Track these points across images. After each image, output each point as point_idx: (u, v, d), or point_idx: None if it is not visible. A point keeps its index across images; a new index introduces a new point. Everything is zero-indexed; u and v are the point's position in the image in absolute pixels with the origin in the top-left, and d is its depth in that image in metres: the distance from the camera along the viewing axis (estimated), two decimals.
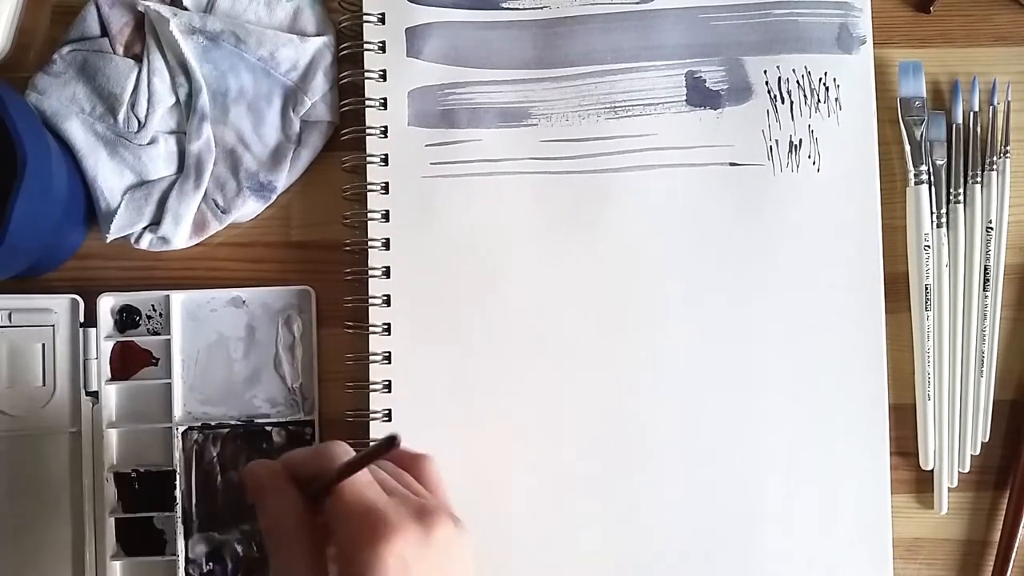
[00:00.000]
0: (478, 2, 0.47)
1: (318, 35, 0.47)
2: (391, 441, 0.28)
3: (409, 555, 0.28)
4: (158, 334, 0.46)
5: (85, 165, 0.45)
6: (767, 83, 0.47)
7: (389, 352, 0.45)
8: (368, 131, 0.46)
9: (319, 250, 0.47)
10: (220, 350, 0.46)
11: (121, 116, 0.45)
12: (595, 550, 0.45)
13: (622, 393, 0.46)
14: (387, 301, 0.46)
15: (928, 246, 0.47)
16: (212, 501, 0.46)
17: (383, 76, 0.46)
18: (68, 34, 0.46)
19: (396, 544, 0.28)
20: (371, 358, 0.45)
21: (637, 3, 0.47)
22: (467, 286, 0.46)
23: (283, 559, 0.31)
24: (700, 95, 0.47)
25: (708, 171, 0.47)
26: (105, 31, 0.45)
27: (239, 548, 0.46)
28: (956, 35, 0.49)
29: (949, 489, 0.47)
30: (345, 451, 0.32)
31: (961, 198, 0.47)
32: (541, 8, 0.47)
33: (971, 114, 0.48)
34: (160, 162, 0.46)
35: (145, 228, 0.46)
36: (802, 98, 0.47)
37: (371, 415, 0.45)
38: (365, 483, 0.31)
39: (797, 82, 0.47)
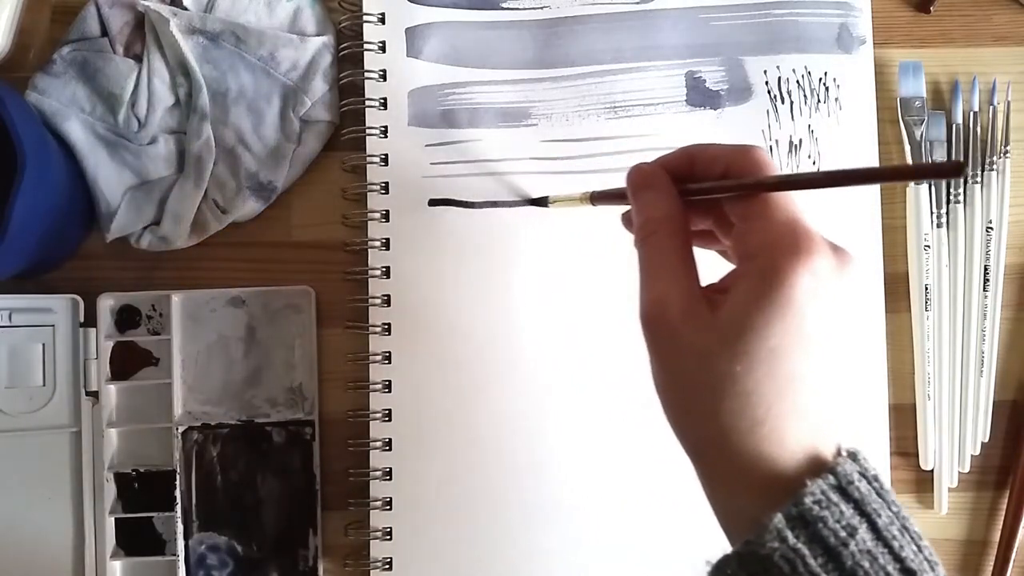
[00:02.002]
0: (478, 2, 0.47)
1: (318, 35, 0.47)
2: (958, 167, 0.24)
3: (822, 276, 0.27)
4: (158, 334, 0.46)
5: (85, 165, 0.45)
6: (767, 83, 0.47)
7: (389, 352, 0.45)
8: (368, 131, 0.46)
9: (319, 250, 0.47)
10: (220, 350, 0.46)
11: (121, 116, 0.45)
12: (595, 549, 0.45)
13: (622, 390, 0.46)
14: (387, 301, 0.46)
15: (928, 246, 0.47)
16: (212, 501, 0.46)
17: (383, 76, 0.46)
18: (68, 34, 0.45)
19: (816, 261, 0.27)
20: (371, 358, 0.45)
21: (637, 3, 0.47)
22: (467, 286, 0.46)
23: (658, 251, 0.30)
24: (700, 95, 0.47)
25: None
26: (105, 31, 0.45)
27: (239, 548, 0.46)
28: (956, 35, 0.49)
29: (949, 489, 0.47)
30: (769, 160, 0.30)
31: (961, 198, 0.47)
32: (541, 8, 0.47)
33: (971, 114, 0.48)
34: (160, 162, 0.46)
35: (145, 228, 0.46)
36: (802, 98, 0.47)
37: (371, 415, 0.45)
38: (791, 197, 0.29)
39: (797, 82, 0.47)
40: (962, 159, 0.25)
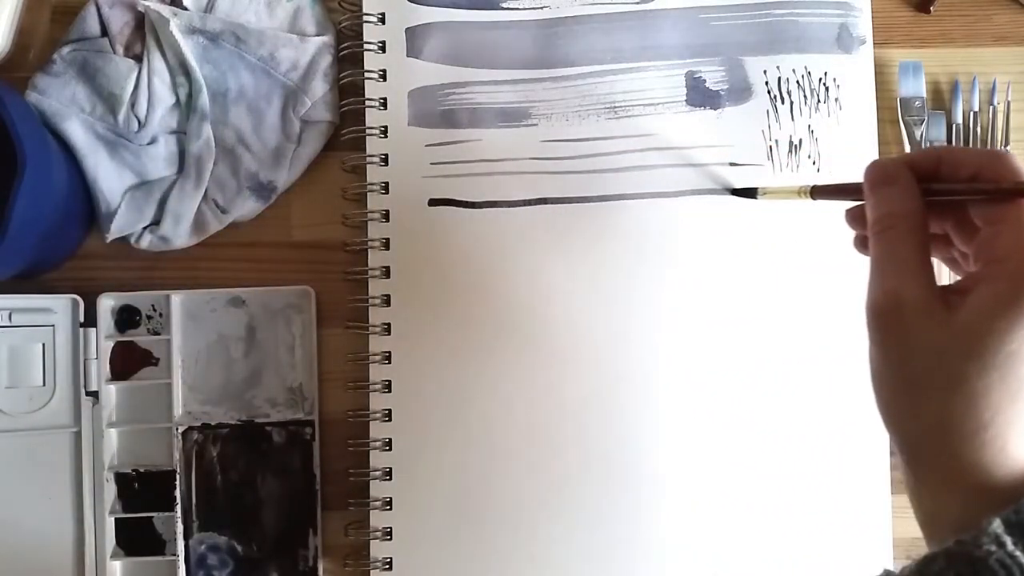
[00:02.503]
0: (478, 2, 0.47)
1: (318, 35, 0.47)
2: None
3: None
4: (158, 334, 0.46)
5: (85, 165, 0.45)
6: (767, 83, 0.47)
7: (389, 352, 0.45)
8: (368, 131, 0.46)
9: (319, 250, 0.47)
10: (220, 350, 0.46)
11: (121, 116, 0.45)
12: (594, 548, 0.45)
13: (621, 393, 0.46)
14: (387, 301, 0.46)
15: None
16: (212, 501, 0.46)
17: (383, 76, 0.46)
18: (68, 34, 0.45)
19: None
20: (371, 358, 0.45)
21: (637, 3, 0.47)
22: (467, 286, 0.46)
23: (895, 245, 0.30)
24: (700, 95, 0.47)
25: (708, 171, 0.47)
26: (105, 31, 0.45)
27: (239, 548, 0.46)
28: (956, 35, 0.49)
29: None
30: (1021, 166, 0.30)
31: None
32: (541, 8, 0.47)
33: (971, 114, 0.48)
34: (160, 162, 0.46)
35: (145, 228, 0.46)
36: (802, 98, 0.47)
37: (371, 415, 0.45)
38: None
39: (797, 82, 0.47)
40: None
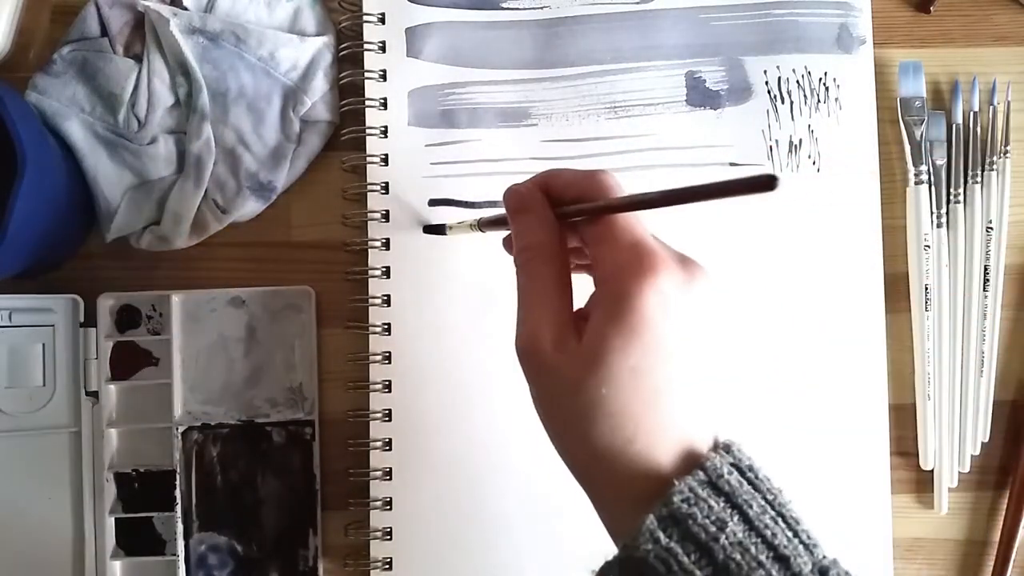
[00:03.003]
0: (478, 2, 0.47)
1: (318, 35, 0.47)
2: (768, 181, 0.24)
3: (670, 294, 0.28)
4: (158, 334, 0.46)
5: (85, 165, 0.45)
6: (767, 83, 0.47)
7: (389, 352, 0.45)
8: (368, 131, 0.46)
9: (319, 250, 0.47)
10: (220, 350, 0.46)
11: (121, 116, 0.45)
12: (593, 547, 0.45)
13: None
14: (387, 301, 0.46)
15: (928, 246, 0.47)
16: (212, 501, 0.46)
17: (383, 76, 0.46)
18: (68, 34, 0.45)
19: (661, 279, 0.28)
20: (371, 358, 0.45)
21: (637, 3, 0.47)
22: (467, 286, 0.46)
23: (534, 279, 0.31)
24: (700, 95, 0.47)
25: (708, 171, 0.47)
26: (105, 31, 0.45)
27: (239, 548, 0.46)
28: (956, 35, 0.49)
29: (949, 489, 0.47)
30: (617, 183, 0.32)
31: (961, 198, 0.47)
32: (541, 8, 0.47)
33: (971, 114, 0.48)
34: (160, 162, 0.46)
35: (145, 228, 0.46)
36: (802, 98, 0.47)
37: (371, 415, 0.45)
38: (635, 219, 0.30)
39: (797, 82, 0.47)
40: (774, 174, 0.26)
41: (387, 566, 0.45)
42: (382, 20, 0.47)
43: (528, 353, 0.30)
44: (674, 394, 0.28)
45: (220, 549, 0.46)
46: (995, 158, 0.47)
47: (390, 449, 0.45)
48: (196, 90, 0.45)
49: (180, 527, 0.45)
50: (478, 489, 0.45)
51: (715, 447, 0.29)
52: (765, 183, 0.23)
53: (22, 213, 0.38)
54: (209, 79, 0.45)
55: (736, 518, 0.27)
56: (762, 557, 0.26)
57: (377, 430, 0.45)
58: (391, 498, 0.45)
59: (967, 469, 0.47)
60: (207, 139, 0.45)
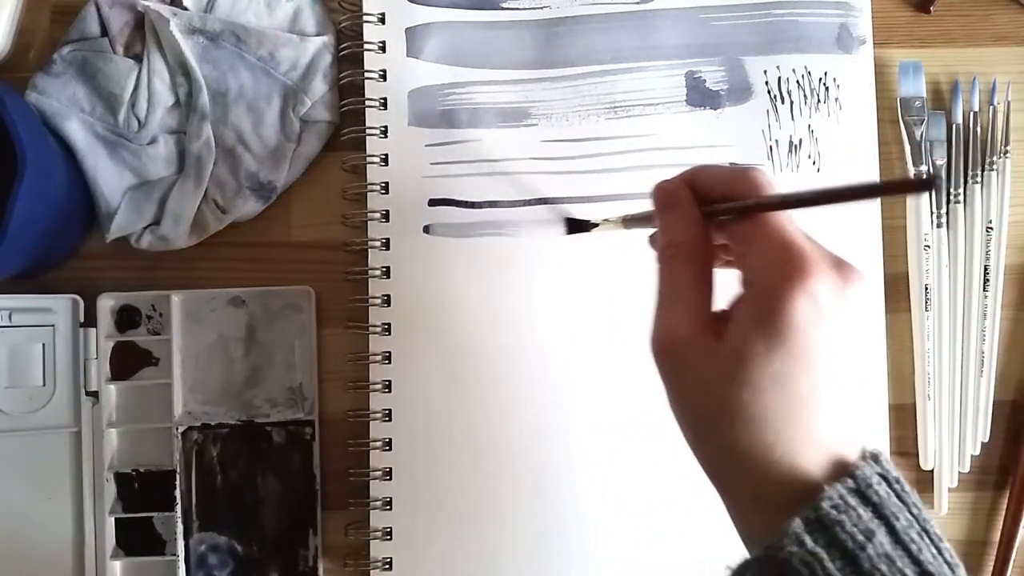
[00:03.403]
0: (478, 2, 0.47)
1: (318, 35, 0.47)
2: (927, 183, 0.24)
3: (823, 299, 0.27)
4: (158, 334, 0.46)
5: (85, 165, 0.45)
6: (767, 83, 0.47)
7: (389, 352, 0.45)
8: (368, 131, 0.46)
9: (319, 250, 0.47)
10: (220, 350, 0.46)
11: (121, 116, 0.45)
12: (593, 547, 0.45)
13: (620, 388, 0.46)
14: (387, 301, 0.46)
15: (928, 246, 0.47)
16: (212, 501, 0.46)
17: (383, 76, 0.46)
18: (68, 34, 0.45)
19: (813, 284, 0.27)
20: (371, 358, 0.45)
21: (637, 3, 0.47)
22: (467, 286, 0.46)
23: (675, 276, 0.30)
24: (700, 95, 0.47)
25: None
26: (105, 31, 0.45)
27: (239, 548, 0.46)
28: (956, 35, 0.49)
29: (949, 489, 0.47)
30: (769, 181, 0.31)
31: (961, 198, 0.47)
32: (541, 8, 0.47)
33: (971, 114, 0.48)
34: (160, 162, 0.46)
35: (145, 228, 0.46)
36: (802, 98, 0.47)
37: (371, 415, 0.45)
38: (788, 219, 0.29)
39: (797, 82, 0.47)
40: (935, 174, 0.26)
41: (387, 566, 0.45)
42: (382, 20, 0.47)
43: (665, 351, 0.30)
44: (819, 402, 0.28)
45: (220, 549, 0.46)
46: (995, 158, 0.47)
47: (390, 449, 0.45)
48: (196, 90, 0.45)
49: (180, 527, 0.45)
50: (478, 489, 0.45)
51: (863, 456, 0.28)
52: (922, 184, 0.23)
53: (22, 213, 0.38)
54: (209, 79, 0.45)
55: (883, 530, 0.26)
56: (908, 572, 0.26)
57: (377, 430, 0.45)
58: (391, 498, 0.45)
59: (967, 469, 0.47)
60: (207, 139, 0.45)
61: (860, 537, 0.26)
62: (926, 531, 0.27)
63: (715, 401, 0.28)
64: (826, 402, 0.28)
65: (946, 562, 0.27)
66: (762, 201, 0.30)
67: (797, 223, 0.29)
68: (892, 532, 0.26)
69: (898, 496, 0.27)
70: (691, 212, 0.31)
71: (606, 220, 0.44)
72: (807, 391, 0.27)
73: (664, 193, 0.32)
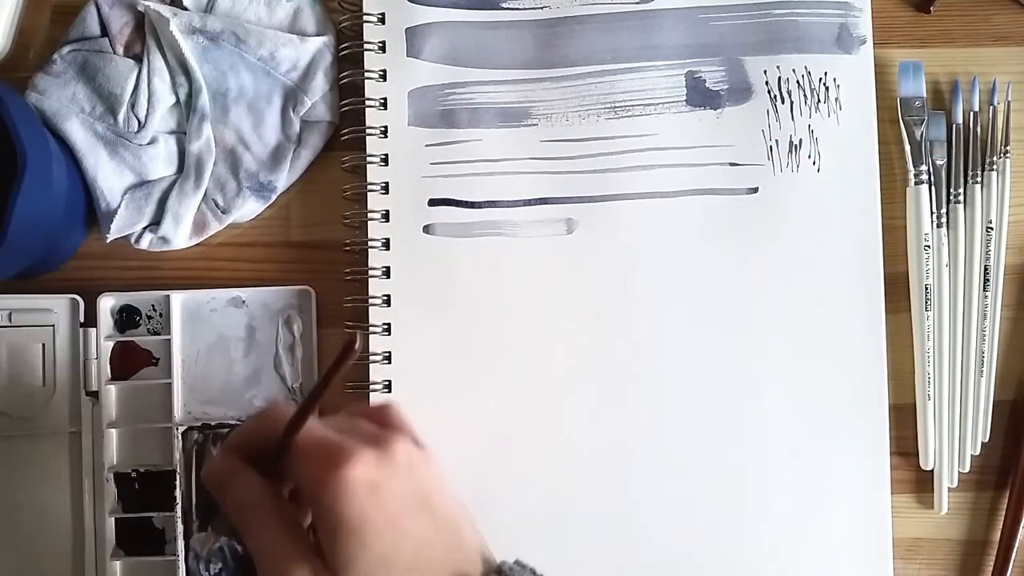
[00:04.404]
0: (478, 2, 0.47)
1: (318, 35, 0.47)
2: (348, 349, 0.26)
3: (374, 476, 0.28)
4: (158, 334, 0.46)
5: (85, 165, 0.45)
6: (767, 83, 0.47)
7: (389, 352, 0.45)
8: (368, 131, 0.46)
9: (319, 250, 0.47)
10: (220, 350, 0.46)
11: (121, 116, 0.45)
12: (593, 543, 0.45)
13: (622, 388, 0.46)
14: (387, 301, 0.46)
15: (928, 246, 0.47)
16: (212, 501, 0.46)
17: (383, 76, 0.46)
18: (68, 34, 0.45)
19: (357, 467, 0.28)
20: (371, 358, 0.45)
21: (637, 3, 0.47)
22: (466, 286, 0.46)
23: (259, 537, 0.30)
24: (700, 95, 0.47)
25: (708, 171, 0.47)
26: (105, 31, 0.45)
27: (239, 548, 0.46)
28: (956, 35, 0.49)
29: (949, 489, 0.47)
30: (286, 409, 0.31)
31: (961, 198, 0.47)
32: (541, 8, 0.47)
33: (971, 114, 0.48)
34: (160, 162, 0.46)
35: (145, 228, 0.46)
36: (802, 98, 0.47)
37: None
38: (313, 425, 0.30)
39: (797, 82, 0.47)
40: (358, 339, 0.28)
41: None
42: (382, 20, 0.47)
43: None
44: (419, 562, 0.28)
45: (220, 549, 0.46)
46: (995, 158, 0.47)
47: None
48: (196, 90, 0.45)
49: (180, 527, 0.45)
50: (478, 489, 0.45)
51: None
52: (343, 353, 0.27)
53: (22, 213, 0.38)
54: (209, 79, 0.45)
55: None
56: None
57: None
58: None
59: (967, 469, 0.47)
60: (207, 139, 0.45)
61: None
62: None
63: None
64: (428, 550, 0.29)
65: None
66: (291, 423, 0.30)
67: (323, 425, 0.31)
68: None
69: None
70: (243, 473, 0.31)
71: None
72: (403, 561, 0.28)
73: (209, 475, 0.32)
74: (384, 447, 0.30)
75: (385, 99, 0.46)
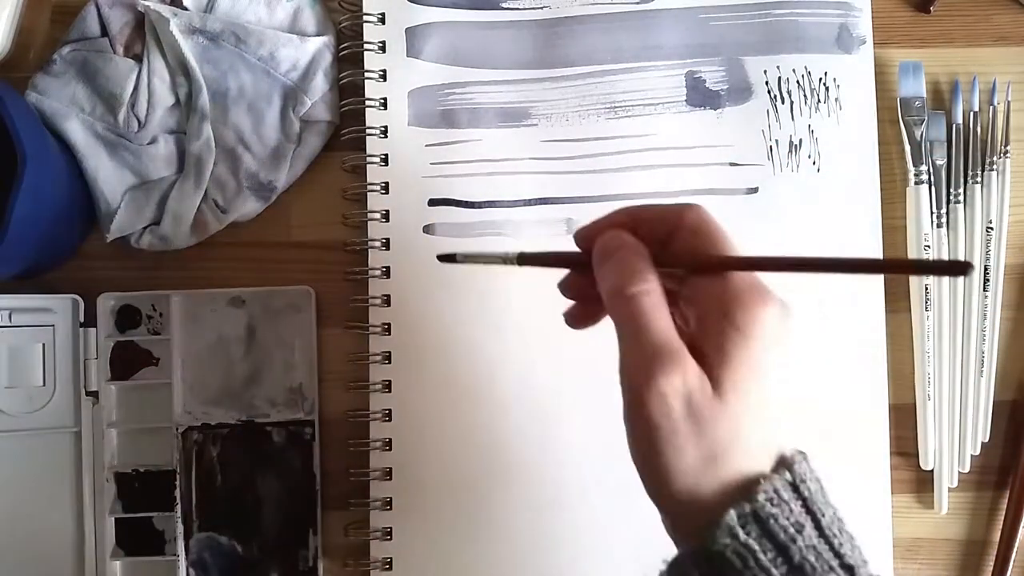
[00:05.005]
0: (478, 2, 0.47)
1: (318, 35, 0.47)
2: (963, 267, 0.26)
3: (778, 322, 0.29)
4: (158, 334, 0.46)
5: (85, 165, 0.45)
6: (767, 83, 0.47)
7: (389, 352, 0.45)
8: (368, 131, 0.46)
9: (319, 250, 0.47)
10: (220, 350, 0.46)
11: (121, 116, 0.45)
12: (595, 545, 0.45)
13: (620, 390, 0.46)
14: (387, 301, 0.46)
15: (928, 246, 0.47)
16: (212, 501, 0.46)
17: (383, 76, 0.46)
18: (68, 34, 0.45)
19: (774, 308, 0.29)
20: (371, 358, 0.45)
21: (637, 3, 0.47)
22: (466, 286, 0.46)
23: (635, 320, 0.30)
24: (700, 95, 0.47)
25: (708, 171, 0.47)
26: (105, 31, 0.45)
27: (239, 548, 0.46)
28: (956, 35, 0.49)
29: (949, 489, 0.47)
30: (710, 216, 0.31)
31: (961, 198, 0.47)
32: (541, 8, 0.47)
33: (971, 114, 0.48)
34: (160, 162, 0.46)
35: (145, 228, 0.46)
36: (802, 98, 0.47)
37: (371, 415, 0.45)
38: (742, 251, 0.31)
39: (797, 82, 0.47)
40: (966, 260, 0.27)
41: (387, 566, 0.45)
42: (382, 20, 0.47)
43: (640, 387, 0.30)
44: (765, 411, 0.29)
45: (220, 549, 0.46)
46: (995, 158, 0.47)
47: (390, 449, 0.45)
48: (196, 90, 0.45)
49: (180, 527, 0.45)
50: (478, 489, 0.45)
51: (792, 456, 0.29)
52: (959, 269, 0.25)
53: (22, 213, 0.38)
54: (209, 79, 0.45)
55: (810, 524, 0.28)
56: (833, 563, 0.27)
57: (377, 430, 0.45)
58: (391, 498, 0.45)
59: (967, 469, 0.47)
60: (207, 139, 0.45)
61: (791, 530, 0.27)
62: (843, 529, 0.29)
63: (686, 434, 0.28)
64: (770, 411, 0.29)
65: (861, 557, 0.28)
66: (728, 262, 0.30)
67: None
68: (818, 526, 0.28)
69: (821, 493, 0.29)
70: (639, 255, 0.31)
71: (481, 254, 0.37)
72: (759, 404, 0.29)
73: (613, 239, 0.32)
74: (787, 308, 0.30)
75: (385, 99, 0.46)
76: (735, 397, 0.28)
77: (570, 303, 0.35)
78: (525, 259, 0.34)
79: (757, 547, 0.27)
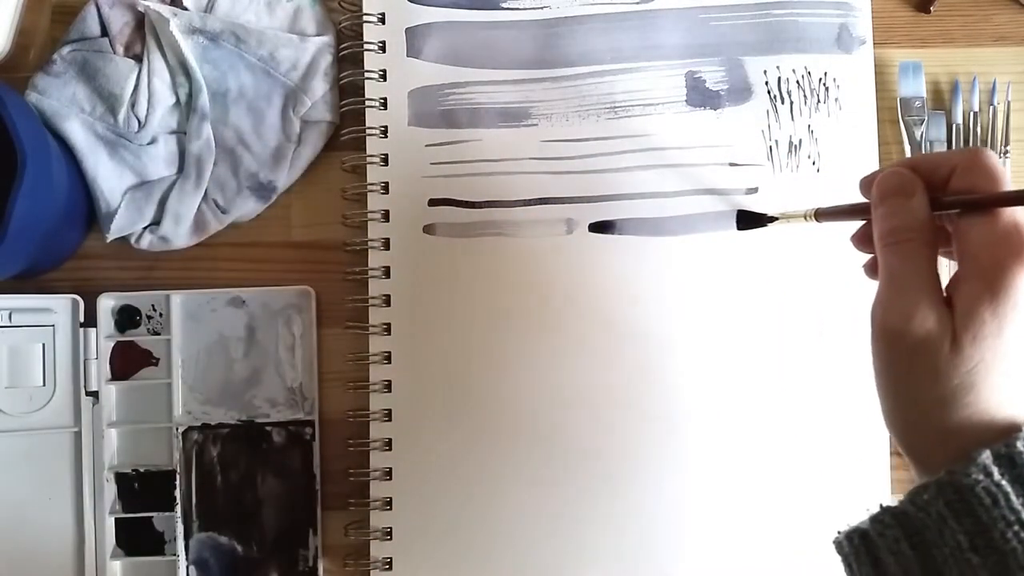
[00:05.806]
0: (478, 2, 0.47)
1: (318, 35, 0.47)
2: None
3: None
4: (158, 334, 0.46)
5: (85, 165, 0.45)
6: (767, 83, 0.47)
7: (389, 352, 0.45)
8: (368, 131, 0.46)
9: (319, 250, 0.47)
10: (220, 350, 0.46)
11: (121, 116, 0.45)
12: (597, 547, 0.45)
13: (622, 386, 0.46)
14: (387, 301, 0.46)
15: None
16: (212, 501, 0.46)
17: (383, 76, 0.46)
18: (68, 34, 0.45)
19: None
20: (371, 358, 0.45)
21: (637, 3, 0.47)
22: (466, 285, 0.46)
23: (907, 261, 0.31)
24: (700, 95, 0.47)
25: (708, 171, 0.47)
26: (105, 31, 0.45)
27: (239, 548, 0.46)
28: (956, 35, 0.49)
29: None
30: (998, 164, 0.31)
31: None
32: (541, 8, 0.47)
33: (971, 114, 0.48)
34: (160, 162, 0.46)
35: (145, 228, 0.46)
36: (802, 98, 0.47)
37: (371, 415, 0.45)
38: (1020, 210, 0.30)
39: (797, 82, 0.47)
40: None
41: (387, 566, 0.45)
42: (382, 20, 0.47)
43: (896, 333, 0.30)
44: (1006, 365, 0.29)
45: (220, 549, 0.46)
46: None
47: (390, 449, 0.45)
48: (196, 90, 0.45)
49: (180, 527, 0.45)
50: (478, 489, 0.45)
51: None
52: None
53: (22, 213, 0.38)
54: (209, 79, 0.45)
55: None
56: None
57: (377, 430, 0.45)
58: (391, 498, 0.45)
59: None
60: (207, 139, 0.45)
61: None
62: None
63: (942, 380, 0.29)
64: (1014, 366, 0.29)
65: None
66: (1004, 196, 0.30)
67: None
68: None
69: None
70: (924, 198, 0.31)
71: (785, 213, 0.43)
72: (995, 356, 0.29)
73: (897, 180, 0.32)
74: None
75: (385, 99, 0.46)
76: (972, 351, 0.28)
77: (867, 257, 0.36)
78: (822, 214, 0.39)
79: (1010, 489, 0.27)
